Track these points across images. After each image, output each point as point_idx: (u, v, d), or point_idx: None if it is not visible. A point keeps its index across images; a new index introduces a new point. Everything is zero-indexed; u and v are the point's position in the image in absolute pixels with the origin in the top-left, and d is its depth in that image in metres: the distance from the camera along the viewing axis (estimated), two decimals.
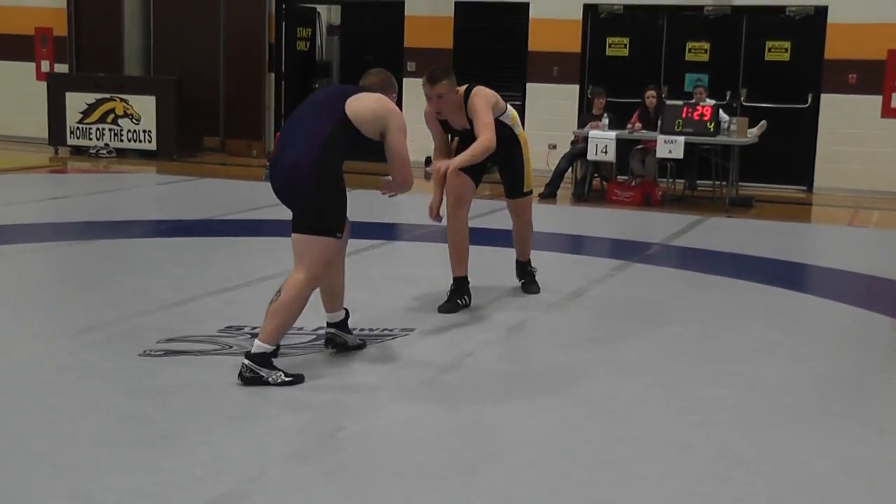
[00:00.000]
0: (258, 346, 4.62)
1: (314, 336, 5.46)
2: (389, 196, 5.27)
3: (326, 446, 3.99)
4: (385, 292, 6.58)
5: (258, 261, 7.41)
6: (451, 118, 6.01)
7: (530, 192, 6.47)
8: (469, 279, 6.17)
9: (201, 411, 4.33)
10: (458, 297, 6.13)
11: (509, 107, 6.25)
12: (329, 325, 5.21)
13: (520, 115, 6.93)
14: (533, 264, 6.70)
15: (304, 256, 4.72)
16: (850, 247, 9.43)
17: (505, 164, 6.39)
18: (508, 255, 6.79)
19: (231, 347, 5.03)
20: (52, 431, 4.04)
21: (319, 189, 4.68)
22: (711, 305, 6.64)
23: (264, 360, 4.61)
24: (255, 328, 5.48)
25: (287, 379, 4.61)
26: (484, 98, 5.94)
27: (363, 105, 4.80)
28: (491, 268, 7.04)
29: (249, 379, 4.59)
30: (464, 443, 4.09)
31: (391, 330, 5.63)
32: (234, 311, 5.82)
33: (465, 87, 5.96)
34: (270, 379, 4.59)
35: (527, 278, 6.67)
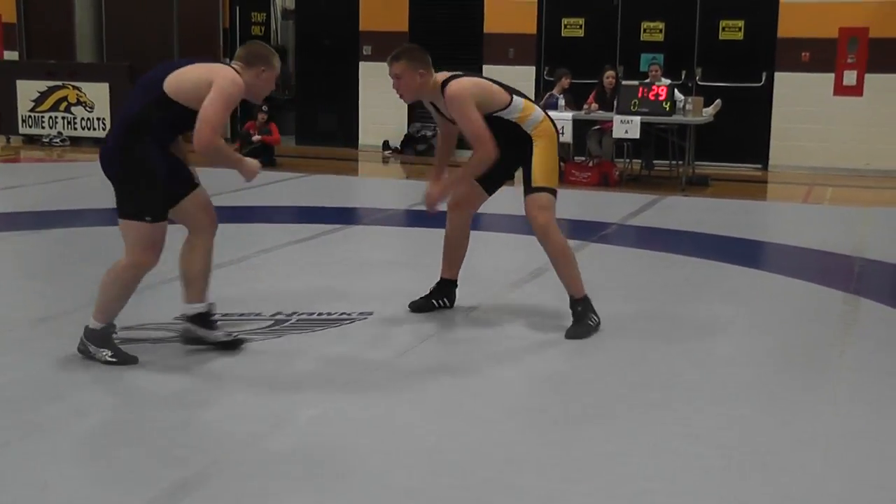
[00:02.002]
0: (91, 322, 4.63)
1: (272, 321, 5.44)
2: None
3: (280, 431, 3.98)
4: (343, 276, 6.57)
5: (215, 247, 7.35)
6: (438, 105, 5.33)
7: (545, 190, 5.29)
8: (457, 284, 5.73)
9: (159, 398, 4.31)
10: (436, 297, 5.69)
11: (518, 99, 5.32)
12: (186, 317, 4.87)
13: None
14: (580, 298, 5.42)
15: (125, 240, 4.56)
16: (804, 223, 9.54)
17: (521, 163, 5.40)
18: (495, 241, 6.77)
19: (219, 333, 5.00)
20: (11, 421, 4.00)
21: (124, 172, 4.50)
22: (668, 283, 6.69)
23: (93, 335, 4.62)
24: (213, 315, 5.47)
25: (111, 359, 4.58)
26: (461, 100, 5.10)
27: (187, 77, 4.47)
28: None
29: (83, 351, 4.64)
30: (382, 435, 4.10)
31: (349, 314, 5.62)
32: None
33: (444, 76, 5.22)
34: (97, 356, 4.60)
35: (573, 319, 5.40)
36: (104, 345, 4.61)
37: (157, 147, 4.52)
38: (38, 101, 14.30)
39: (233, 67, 4.60)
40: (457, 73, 5.27)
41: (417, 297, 5.71)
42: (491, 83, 5.31)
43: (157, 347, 4.94)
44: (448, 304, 5.73)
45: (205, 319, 4.87)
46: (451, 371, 4.76)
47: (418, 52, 5.24)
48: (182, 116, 4.50)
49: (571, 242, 7.89)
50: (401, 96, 5.28)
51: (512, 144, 5.26)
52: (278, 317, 5.53)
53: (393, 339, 5.21)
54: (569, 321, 5.37)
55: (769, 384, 4.71)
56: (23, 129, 14.38)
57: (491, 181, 5.48)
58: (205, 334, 4.87)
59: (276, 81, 4.81)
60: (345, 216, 9.17)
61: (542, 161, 5.28)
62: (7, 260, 7.15)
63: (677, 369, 4.85)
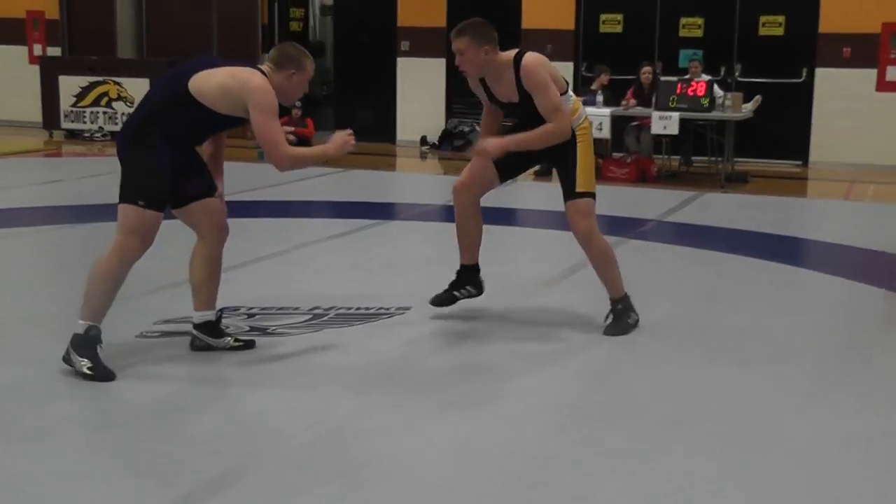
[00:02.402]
0: (76, 325, 4.45)
1: (310, 315, 5.47)
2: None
3: (316, 424, 4.00)
4: (381, 271, 6.59)
5: (253, 241, 7.42)
6: (493, 86, 5.12)
7: (587, 195, 5.17)
8: (479, 267, 5.46)
9: (199, 391, 4.34)
10: (457, 287, 5.44)
11: (572, 94, 5.19)
12: (194, 325, 4.81)
13: None
14: (621, 297, 5.35)
15: (117, 226, 4.47)
16: (845, 221, 9.45)
17: (558, 162, 5.25)
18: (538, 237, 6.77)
19: (227, 328, 5.04)
20: (48, 412, 4.05)
21: (130, 156, 4.46)
22: (706, 280, 6.65)
23: (77, 341, 4.42)
24: (252, 308, 5.52)
25: (88, 372, 4.36)
26: (543, 69, 4.95)
27: (212, 81, 4.42)
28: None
29: (66, 359, 4.44)
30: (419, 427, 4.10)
31: (387, 308, 5.63)
32: (229, 292, 5.79)
33: (513, 52, 5.06)
34: (76, 365, 4.39)
35: (612, 317, 5.34)
36: (85, 353, 4.39)
37: (169, 141, 4.46)
38: (80, 96, 14.42)
39: (261, 70, 4.54)
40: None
41: (440, 291, 5.46)
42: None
43: (186, 342, 4.97)
44: (473, 291, 5.45)
45: (211, 328, 4.82)
46: (486, 367, 4.76)
47: (483, 28, 5.05)
48: (204, 118, 4.48)
49: (609, 239, 7.88)
50: (463, 73, 5.09)
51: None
52: (316, 311, 5.56)
53: (430, 335, 5.22)
54: (604, 319, 5.35)
55: (808, 382, 4.67)
56: (65, 124, 14.51)
57: (509, 169, 5.30)
58: (212, 342, 4.82)
59: (307, 84, 4.72)
60: (383, 211, 9.19)
61: (585, 164, 5.15)
62: (49, 253, 7.23)
63: (715, 367, 4.82)
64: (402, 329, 5.28)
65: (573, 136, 5.12)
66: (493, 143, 5.02)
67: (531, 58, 4.99)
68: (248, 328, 5.17)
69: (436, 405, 4.24)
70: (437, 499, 3.38)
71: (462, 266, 5.44)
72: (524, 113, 5.07)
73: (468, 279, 5.44)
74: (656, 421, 4.11)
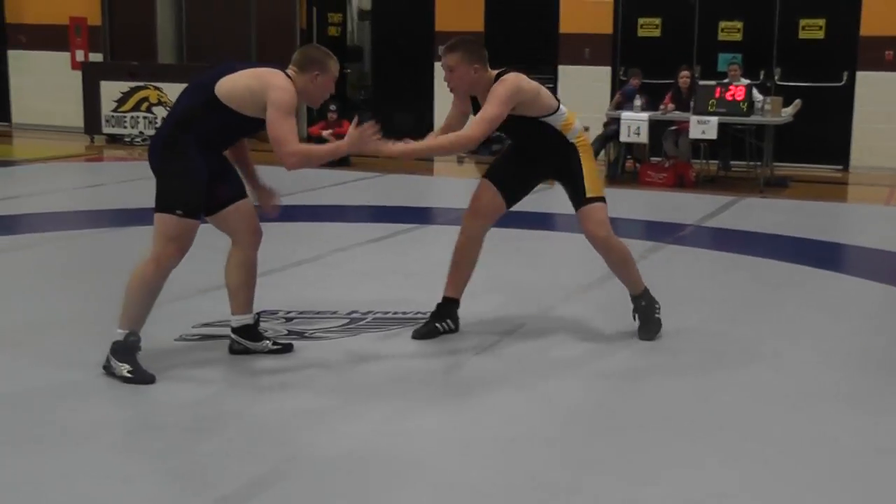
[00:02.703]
0: (115, 333, 4.50)
1: (347, 320, 5.49)
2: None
3: (353, 428, 4.02)
4: (418, 275, 6.60)
5: (292, 245, 7.46)
6: (482, 103, 5.02)
7: (598, 199, 5.12)
8: (459, 304, 5.32)
9: (238, 394, 4.38)
10: (438, 320, 5.29)
11: (563, 108, 5.12)
12: (232, 329, 4.86)
13: None
14: (643, 294, 5.33)
15: (153, 235, 4.50)
16: (886, 226, 9.34)
17: (561, 175, 5.20)
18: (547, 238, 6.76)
19: (265, 332, 5.07)
20: (90, 415, 4.10)
21: (163, 165, 4.50)
22: (745, 286, 6.61)
23: (116, 349, 4.48)
24: (290, 312, 5.55)
25: (128, 375, 4.41)
26: (507, 88, 4.86)
27: (239, 83, 4.44)
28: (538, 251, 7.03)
29: (106, 367, 4.49)
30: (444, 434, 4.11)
31: (424, 313, 5.64)
32: (267, 296, 5.84)
33: (498, 71, 5.00)
34: (116, 371, 4.44)
35: (638, 316, 5.34)
36: (124, 359, 4.45)
37: (201, 146, 4.49)
38: (121, 101, 14.57)
39: (286, 73, 4.55)
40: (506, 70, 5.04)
41: (421, 324, 5.33)
42: (545, 89, 5.12)
43: (225, 345, 5.00)
44: (452, 327, 5.31)
45: (249, 331, 4.85)
46: (525, 371, 4.76)
47: (475, 46, 5.01)
48: (232, 121, 4.49)
49: (647, 244, 7.88)
50: (451, 89, 5.04)
51: (552, 154, 5.11)
52: (354, 315, 5.59)
53: (467, 339, 5.22)
54: (633, 317, 5.34)
55: (849, 389, 4.63)
56: (106, 129, 14.67)
57: (514, 192, 5.26)
58: (250, 346, 4.86)
59: (333, 85, 4.71)
60: (420, 216, 9.21)
61: (590, 170, 5.13)
62: (89, 257, 7.30)
63: (754, 373, 4.79)
64: (442, 335, 5.28)
65: (573, 147, 5.11)
66: (396, 148, 4.75)
67: (508, 77, 4.92)
68: (286, 332, 5.20)
69: (474, 410, 4.25)
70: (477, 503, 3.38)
71: (445, 298, 5.33)
72: (509, 128, 5.07)
73: (449, 313, 5.32)
74: (696, 426, 4.09)
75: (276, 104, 4.39)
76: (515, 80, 4.91)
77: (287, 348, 4.94)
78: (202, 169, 4.49)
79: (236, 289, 4.78)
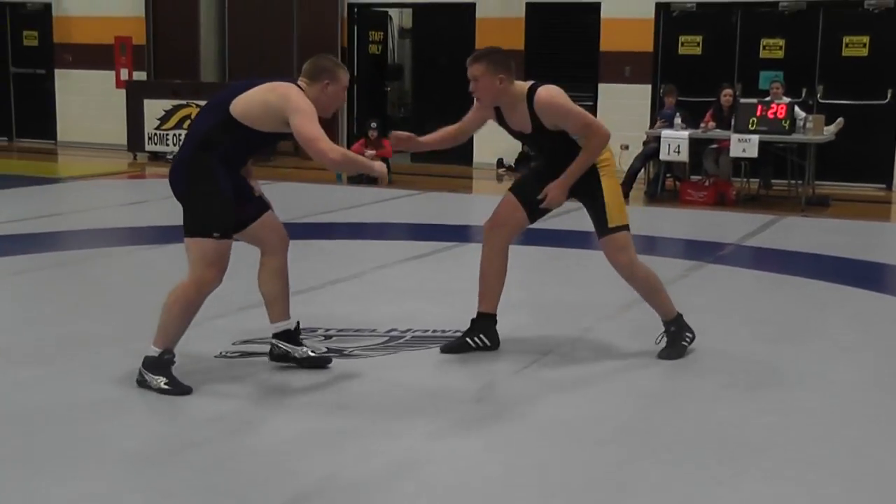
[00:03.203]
0: (150, 349, 4.57)
1: (387, 338, 5.51)
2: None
3: (392, 446, 4.03)
4: (457, 294, 6.60)
5: (332, 263, 7.50)
6: (507, 114, 5.08)
7: (621, 229, 5.05)
8: (496, 318, 5.30)
9: (277, 410, 4.40)
10: (472, 335, 5.26)
11: None
12: (273, 335, 4.93)
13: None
14: (675, 320, 5.27)
15: (189, 259, 4.52)
16: None
17: (583, 196, 5.11)
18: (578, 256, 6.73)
19: (304, 340, 5.10)
20: (132, 431, 4.14)
21: (190, 188, 4.50)
22: (786, 306, 6.56)
23: (150, 363, 4.54)
24: (329, 330, 5.58)
25: (165, 387, 4.48)
26: (560, 99, 4.89)
27: (254, 99, 4.47)
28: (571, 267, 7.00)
29: (140, 382, 4.56)
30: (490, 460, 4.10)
31: (462, 332, 5.64)
32: (307, 313, 5.87)
33: (527, 84, 4.97)
34: (152, 384, 4.50)
35: (665, 339, 5.27)
36: (160, 373, 4.52)
37: (224, 166, 4.52)
38: (164, 119, 14.73)
39: (298, 84, 4.58)
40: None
41: (453, 339, 5.34)
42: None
43: (265, 362, 5.03)
44: (486, 343, 5.26)
45: (290, 336, 4.91)
46: (564, 389, 4.74)
47: (500, 56, 4.99)
48: (249, 138, 4.53)
49: (688, 263, 7.84)
50: (477, 100, 5.06)
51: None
52: (392, 333, 5.60)
53: (507, 356, 5.21)
54: (655, 341, 5.30)
55: (890, 412, 4.58)
56: (148, 147, 14.83)
57: (536, 208, 5.17)
58: (290, 349, 4.91)
59: (345, 94, 4.75)
60: (459, 234, 9.22)
61: (613, 197, 5.04)
62: (131, 273, 7.37)
63: (795, 393, 4.75)
64: (478, 353, 5.28)
65: (595, 168, 5.02)
66: (556, 190, 4.97)
67: (546, 91, 4.91)
68: (325, 349, 5.22)
69: (513, 430, 4.24)
70: None
71: (479, 313, 5.30)
72: (537, 143, 5.10)
73: (483, 328, 5.29)
74: (735, 447, 4.06)
75: (299, 110, 4.41)
76: (554, 89, 4.93)
77: (325, 360, 4.98)
78: (229, 188, 4.54)
79: (274, 297, 4.85)
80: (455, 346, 5.28)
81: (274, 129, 4.53)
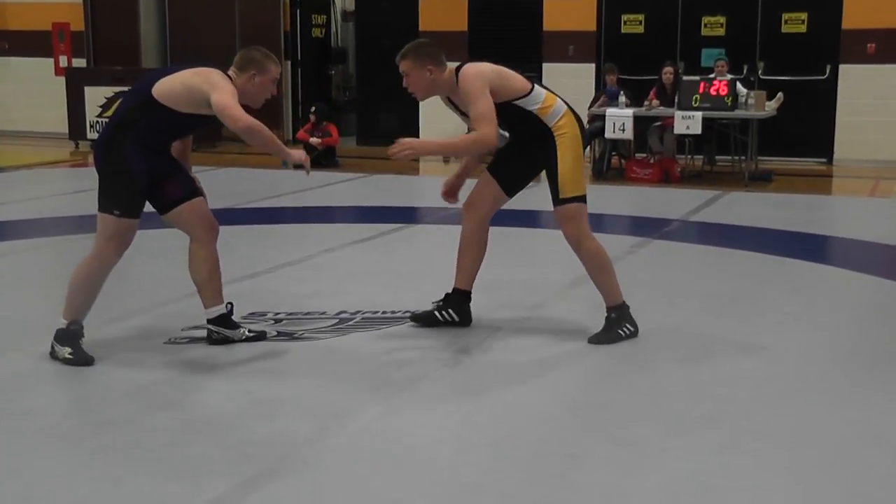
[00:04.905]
0: (60, 323, 4.74)
1: (337, 320, 5.50)
2: (292, 166, 4.95)
3: (345, 427, 4.03)
4: (406, 274, 6.61)
5: (279, 247, 7.47)
6: (455, 100, 5.05)
7: (573, 200, 4.98)
8: (471, 296, 5.34)
9: (228, 395, 4.38)
10: (442, 309, 5.31)
11: (539, 89, 5.00)
12: (207, 320, 4.99)
13: None
14: (617, 304, 5.18)
15: (97, 233, 4.76)
16: (871, 218, 9.39)
17: (545, 166, 5.06)
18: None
19: (242, 330, 5.08)
20: (83, 419, 4.10)
21: (104, 167, 4.69)
22: (731, 279, 6.64)
23: (58, 335, 4.73)
24: (279, 314, 5.56)
25: (69, 356, 4.65)
26: (474, 79, 4.81)
27: (176, 81, 4.59)
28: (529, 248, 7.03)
29: (51, 354, 4.74)
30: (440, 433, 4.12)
31: (413, 312, 5.64)
32: (256, 297, 5.87)
33: (455, 65, 4.94)
34: (58, 353, 4.69)
35: (603, 325, 5.17)
36: (66, 343, 4.69)
37: (141, 147, 4.64)
38: (105, 106, 14.49)
39: (228, 74, 4.69)
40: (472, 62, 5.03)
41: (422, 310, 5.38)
42: (511, 71, 5.00)
43: (224, 345, 5.01)
44: (454, 318, 5.30)
45: (225, 320, 5.01)
46: (516, 367, 4.77)
47: (426, 48, 4.98)
48: (172, 121, 4.64)
49: (634, 240, 7.90)
50: (413, 95, 5.06)
51: (534, 142, 5.00)
52: (342, 315, 5.59)
53: (457, 336, 5.23)
54: None
55: (836, 381, 4.66)
56: (90, 135, 14.58)
57: (511, 181, 5.18)
58: (229, 334, 5.00)
59: (273, 86, 4.83)
60: (407, 215, 9.22)
61: (567, 166, 4.95)
62: (76, 262, 7.27)
63: (742, 365, 4.81)
64: (429, 332, 5.29)
65: (551, 137, 4.98)
66: (408, 145, 4.80)
67: (466, 70, 4.88)
68: (275, 333, 5.21)
69: (463, 408, 4.25)
70: (468, 499, 3.39)
71: (453, 289, 5.34)
72: (499, 118, 4.89)
73: (455, 304, 5.33)
74: (686, 419, 4.11)
75: (218, 87, 4.54)
76: (473, 69, 4.88)
77: (261, 335, 5.09)
78: (141, 170, 4.64)
79: (204, 283, 4.94)
80: (423, 316, 5.34)
81: (195, 110, 4.62)
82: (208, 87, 4.54)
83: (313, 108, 12.83)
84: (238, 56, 4.79)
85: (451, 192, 5.36)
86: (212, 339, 5.01)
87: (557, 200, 5.01)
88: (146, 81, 4.67)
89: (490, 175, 5.20)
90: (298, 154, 4.80)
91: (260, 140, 4.62)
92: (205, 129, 4.95)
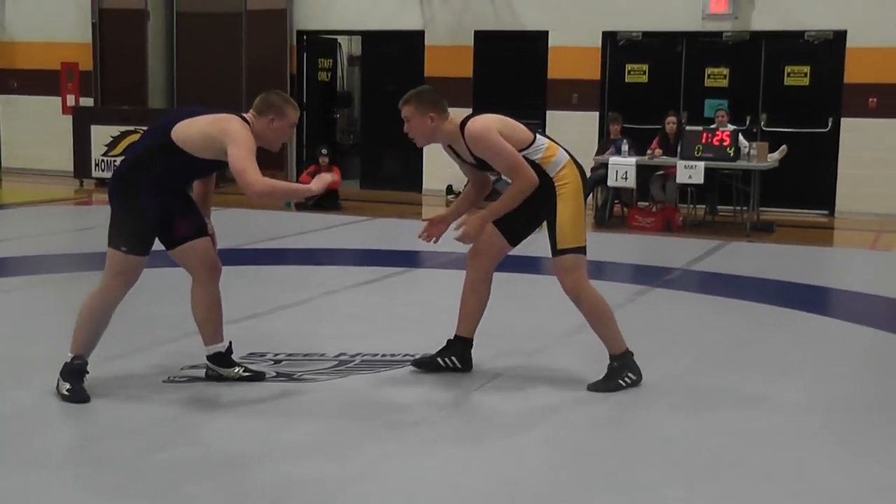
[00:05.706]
0: (66, 357, 4.78)
1: (336, 362, 5.50)
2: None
3: (342, 470, 4.02)
4: (407, 318, 6.61)
5: (280, 288, 7.48)
6: (456, 149, 5.09)
7: (571, 251, 5.00)
8: (472, 343, 5.35)
9: (227, 435, 4.37)
10: (444, 355, 5.32)
11: (542, 138, 5.05)
12: (206, 357, 5.05)
13: None
14: (619, 354, 5.16)
15: (105, 268, 4.81)
16: (872, 270, 9.41)
17: (541, 216, 5.11)
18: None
19: (237, 369, 5.08)
20: (82, 455, 4.10)
21: (116, 204, 4.75)
22: (733, 329, 6.64)
23: (64, 369, 4.77)
24: (278, 354, 5.56)
25: (66, 394, 4.68)
26: (486, 133, 4.87)
27: (194, 128, 4.65)
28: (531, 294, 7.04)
29: (57, 388, 4.77)
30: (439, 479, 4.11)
31: (413, 355, 5.64)
32: (256, 338, 5.87)
33: (463, 117, 5.01)
34: (59, 388, 4.73)
35: (605, 373, 5.16)
36: (68, 379, 4.73)
37: (156, 187, 4.69)
38: (111, 145, 14.59)
39: (243, 117, 4.73)
40: (474, 114, 5.08)
41: (424, 354, 5.40)
42: (514, 121, 5.05)
43: (224, 385, 5.01)
44: (457, 364, 5.31)
45: (221, 358, 5.04)
46: (515, 413, 4.76)
47: (429, 95, 5.05)
48: (189, 164, 4.69)
49: (635, 287, 7.91)
50: (412, 140, 5.11)
51: (536, 192, 4.93)
52: (342, 357, 5.59)
53: (457, 381, 5.22)
54: None
55: (835, 431, 4.65)
56: (95, 173, 14.67)
57: (514, 232, 5.18)
58: (223, 372, 5.05)
59: (292, 130, 4.92)
60: (409, 259, 9.23)
61: (567, 218, 4.97)
62: (79, 299, 7.28)
63: (743, 415, 4.81)
64: (428, 377, 5.29)
65: (552, 186, 5.00)
66: (472, 223, 4.98)
67: (474, 125, 4.92)
68: (274, 374, 5.21)
69: (462, 454, 4.24)
70: None
71: (455, 336, 5.35)
72: (494, 168, 5.02)
73: (457, 351, 5.33)
74: (685, 470, 4.09)
75: (237, 142, 4.58)
76: (480, 123, 4.94)
77: (258, 376, 5.11)
78: (152, 209, 4.69)
79: (203, 322, 4.98)
80: (425, 362, 5.36)
81: (212, 156, 4.67)
82: (226, 138, 4.58)
83: (324, 150, 12.87)
84: (258, 99, 4.81)
85: (433, 234, 5.26)
86: (208, 376, 5.08)
87: (555, 251, 5.02)
88: (166, 123, 4.71)
89: (494, 226, 5.15)
90: (320, 184, 4.82)
91: (278, 199, 4.72)
92: (223, 170, 4.95)
